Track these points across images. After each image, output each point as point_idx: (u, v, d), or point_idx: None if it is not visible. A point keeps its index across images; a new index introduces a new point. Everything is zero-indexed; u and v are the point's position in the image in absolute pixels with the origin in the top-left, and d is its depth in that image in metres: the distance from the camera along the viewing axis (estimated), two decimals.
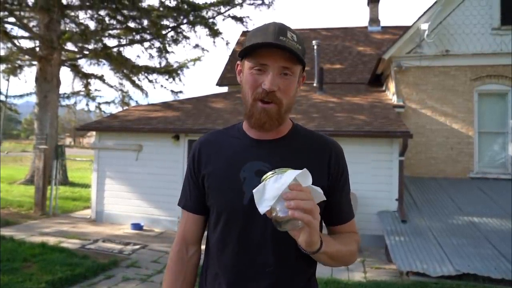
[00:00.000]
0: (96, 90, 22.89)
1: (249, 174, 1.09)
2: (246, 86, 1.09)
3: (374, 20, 13.72)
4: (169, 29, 13.79)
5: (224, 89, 12.11)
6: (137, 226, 7.19)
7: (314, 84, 10.17)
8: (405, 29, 8.88)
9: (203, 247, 1.24)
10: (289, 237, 1.00)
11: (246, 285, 1.08)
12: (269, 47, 1.02)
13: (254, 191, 0.92)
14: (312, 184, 0.98)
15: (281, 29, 1.04)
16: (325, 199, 0.97)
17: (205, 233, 1.25)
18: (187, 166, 1.24)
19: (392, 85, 8.86)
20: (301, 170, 0.91)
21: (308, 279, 1.15)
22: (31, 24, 13.62)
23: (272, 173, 0.92)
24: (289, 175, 0.90)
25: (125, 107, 15.20)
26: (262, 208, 0.90)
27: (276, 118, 1.08)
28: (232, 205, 1.09)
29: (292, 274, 1.09)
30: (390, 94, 9.13)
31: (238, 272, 1.09)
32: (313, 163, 1.11)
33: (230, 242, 1.10)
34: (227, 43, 13.83)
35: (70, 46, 13.92)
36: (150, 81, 15.18)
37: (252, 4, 13.81)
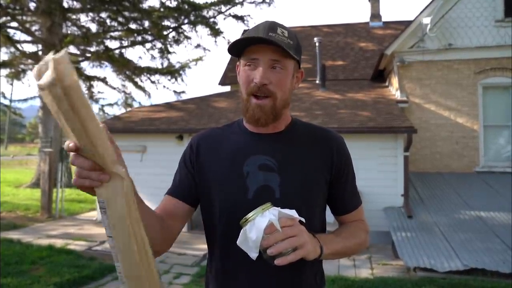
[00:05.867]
0: (99, 92, 23.05)
1: (252, 168, 1.09)
2: (240, 83, 1.11)
3: (375, 15, 13.65)
4: (170, 30, 13.79)
5: (227, 88, 12.11)
6: None
7: (317, 81, 10.14)
8: (407, 23, 8.83)
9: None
10: None
11: (254, 281, 1.07)
12: (257, 43, 1.05)
13: (238, 243, 0.95)
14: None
15: (271, 26, 1.06)
16: (302, 219, 0.96)
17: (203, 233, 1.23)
18: (181, 158, 1.20)
19: (395, 81, 8.82)
20: (266, 211, 0.92)
21: (316, 273, 1.16)
22: (33, 28, 13.65)
23: (245, 219, 0.93)
24: (259, 221, 0.91)
25: (128, 109, 15.23)
26: (253, 255, 0.94)
27: (271, 113, 1.08)
28: (236, 200, 1.08)
29: (299, 268, 1.08)
30: (393, 90, 9.09)
31: (245, 268, 1.07)
32: (315, 156, 1.14)
33: (235, 238, 1.09)
34: (228, 42, 13.80)
35: (72, 49, 13.94)
36: (153, 82, 15.19)
37: (253, 3, 13.76)
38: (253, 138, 1.15)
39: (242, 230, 0.94)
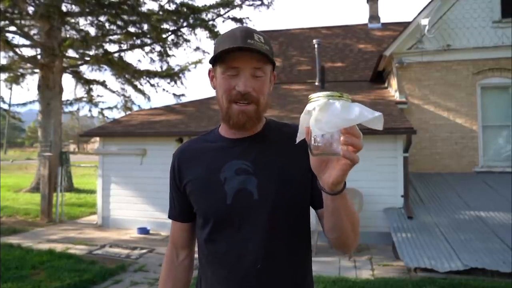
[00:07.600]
0: (98, 95, 23.06)
1: (229, 173, 1.11)
2: (220, 91, 1.11)
3: (374, 17, 13.69)
4: (170, 33, 13.82)
5: None
6: (143, 231, 7.21)
7: (316, 83, 10.17)
8: (406, 25, 8.85)
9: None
10: (279, 233, 1.06)
11: (238, 283, 1.09)
12: (238, 51, 1.04)
13: (312, 96, 0.80)
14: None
15: (248, 32, 1.07)
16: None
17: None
18: (169, 177, 1.26)
19: (394, 82, 8.83)
20: (377, 114, 0.76)
21: (302, 278, 1.15)
22: (32, 32, 13.69)
23: (336, 95, 0.77)
24: (360, 112, 0.75)
25: (128, 112, 15.24)
26: (326, 127, 0.77)
27: (255, 117, 1.10)
28: (216, 208, 1.11)
29: (283, 271, 1.09)
30: (393, 91, 9.11)
31: (229, 271, 1.10)
32: (292, 153, 1.10)
33: (219, 244, 1.12)
34: None
35: (71, 52, 13.98)
36: (152, 85, 15.21)
37: (252, 5, 13.81)
38: (229, 144, 1.16)
39: (328, 100, 0.78)
